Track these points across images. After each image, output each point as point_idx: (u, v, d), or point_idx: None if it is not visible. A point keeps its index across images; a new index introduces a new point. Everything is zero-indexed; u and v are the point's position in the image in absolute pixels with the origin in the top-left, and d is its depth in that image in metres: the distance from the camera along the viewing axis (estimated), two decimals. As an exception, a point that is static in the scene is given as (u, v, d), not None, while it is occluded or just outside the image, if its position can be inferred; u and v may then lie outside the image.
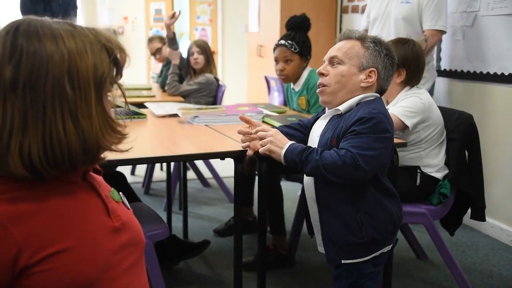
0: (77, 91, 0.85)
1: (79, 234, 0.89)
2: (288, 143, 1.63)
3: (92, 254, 0.89)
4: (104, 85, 0.89)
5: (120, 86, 0.95)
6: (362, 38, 1.69)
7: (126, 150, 0.97)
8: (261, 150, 1.67)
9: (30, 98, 0.82)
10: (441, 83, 3.47)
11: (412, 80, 2.30)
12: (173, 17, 3.60)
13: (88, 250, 0.89)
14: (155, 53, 4.20)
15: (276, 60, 2.75)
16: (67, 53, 0.85)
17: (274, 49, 2.77)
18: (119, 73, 0.94)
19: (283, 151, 1.61)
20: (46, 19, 0.89)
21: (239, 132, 1.82)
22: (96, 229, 0.92)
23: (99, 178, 1.01)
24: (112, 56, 0.90)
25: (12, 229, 0.82)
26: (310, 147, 1.61)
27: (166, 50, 4.18)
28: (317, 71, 1.74)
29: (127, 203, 1.06)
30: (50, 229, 0.86)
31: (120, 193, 1.05)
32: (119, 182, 2.48)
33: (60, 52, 0.84)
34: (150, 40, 4.27)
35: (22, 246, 0.82)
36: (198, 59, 3.66)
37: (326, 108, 1.75)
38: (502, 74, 3.00)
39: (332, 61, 1.69)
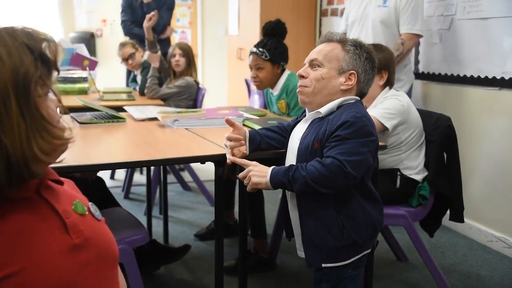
0: None
1: (30, 255, 0.82)
2: (269, 169, 1.61)
3: (46, 276, 0.82)
4: (29, 88, 0.79)
5: (51, 86, 0.84)
6: (343, 41, 1.69)
7: (59, 162, 0.88)
8: (248, 188, 1.65)
9: None
10: (419, 85, 3.52)
11: (391, 81, 2.35)
12: (151, 19, 3.59)
13: (41, 271, 0.82)
14: (128, 58, 4.16)
15: (250, 67, 2.77)
16: None
17: (249, 56, 2.78)
18: (54, 68, 0.85)
19: (267, 179, 1.60)
20: None
21: (229, 138, 1.81)
22: (50, 248, 0.85)
23: (61, 190, 0.94)
24: (36, 53, 0.81)
25: None
26: (293, 165, 1.60)
27: (139, 57, 4.16)
28: (297, 73, 1.74)
29: (97, 214, 0.98)
30: None
31: (90, 203, 0.98)
32: (98, 187, 2.45)
33: None
34: (122, 45, 4.20)
35: None
36: (180, 61, 3.64)
37: (307, 111, 1.75)
38: (479, 76, 3.05)
39: (312, 64, 1.70)
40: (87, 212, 0.96)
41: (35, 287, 0.81)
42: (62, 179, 0.97)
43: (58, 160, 0.89)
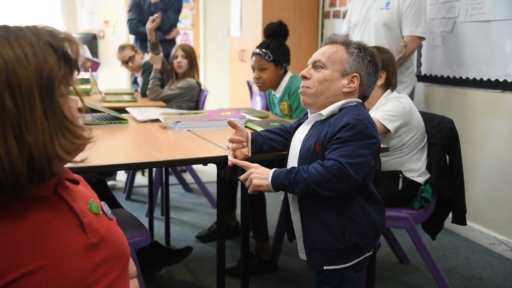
0: (19, 102, 0.77)
1: (49, 253, 0.82)
2: (271, 171, 1.61)
3: (64, 274, 0.83)
4: (53, 87, 0.80)
5: (73, 85, 0.86)
6: (347, 43, 1.69)
7: (81, 161, 0.89)
8: (249, 190, 1.65)
9: None
10: (421, 88, 3.51)
11: (391, 82, 2.34)
12: (154, 21, 3.60)
13: (59, 270, 0.83)
14: (127, 61, 4.17)
15: (253, 68, 2.77)
16: (3, 63, 0.76)
17: (251, 57, 2.78)
18: (75, 68, 0.85)
19: (269, 181, 1.60)
20: None
21: (231, 140, 1.81)
22: (68, 247, 0.86)
23: (76, 189, 0.94)
24: (59, 52, 0.82)
25: None
26: (295, 167, 1.60)
27: (139, 59, 4.17)
28: (300, 74, 1.74)
29: (109, 213, 1.00)
30: (17, 250, 0.80)
31: (102, 202, 0.99)
32: (100, 189, 2.45)
33: None
34: (122, 48, 4.21)
35: None
36: (182, 63, 3.64)
37: (309, 114, 1.75)
38: (481, 79, 3.04)
39: (315, 65, 1.70)
40: (101, 212, 0.97)
41: (53, 285, 0.82)
42: (76, 176, 0.98)
43: (79, 159, 0.90)
